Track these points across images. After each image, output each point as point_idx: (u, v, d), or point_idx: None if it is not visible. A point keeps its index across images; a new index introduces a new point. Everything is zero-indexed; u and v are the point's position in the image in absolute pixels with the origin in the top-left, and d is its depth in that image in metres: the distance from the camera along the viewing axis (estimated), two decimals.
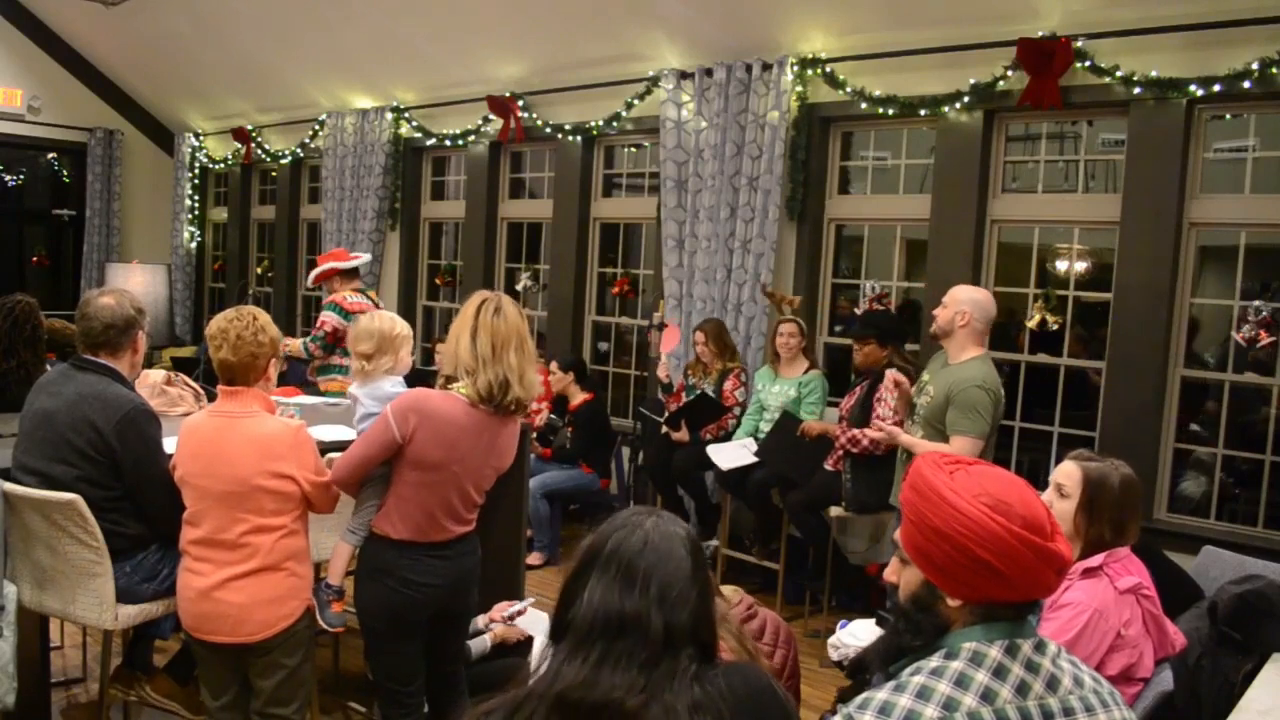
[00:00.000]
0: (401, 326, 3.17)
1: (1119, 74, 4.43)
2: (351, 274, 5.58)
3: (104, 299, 2.95)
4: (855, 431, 4.54)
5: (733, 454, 5.06)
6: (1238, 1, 4.10)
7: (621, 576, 1.41)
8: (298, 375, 5.79)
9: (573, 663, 1.37)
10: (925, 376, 3.90)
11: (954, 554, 1.39)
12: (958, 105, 4.95)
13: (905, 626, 1.48)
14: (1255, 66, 4.09)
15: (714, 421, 5.35)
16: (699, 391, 5.40)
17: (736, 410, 5.39)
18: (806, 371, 5.17)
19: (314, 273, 5.62)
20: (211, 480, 2.67)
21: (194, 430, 2.75)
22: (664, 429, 5.43)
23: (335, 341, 5.29)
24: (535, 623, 3.58)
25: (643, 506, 1.54)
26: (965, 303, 3.73)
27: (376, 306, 5.32)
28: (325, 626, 2.93)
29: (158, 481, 2.84)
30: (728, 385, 5.40)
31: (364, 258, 6.00)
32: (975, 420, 3.60)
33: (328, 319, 5.32)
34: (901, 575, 1.52)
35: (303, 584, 2.78)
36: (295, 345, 5.38)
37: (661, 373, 5.71)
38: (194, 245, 10.61)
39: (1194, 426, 4.78)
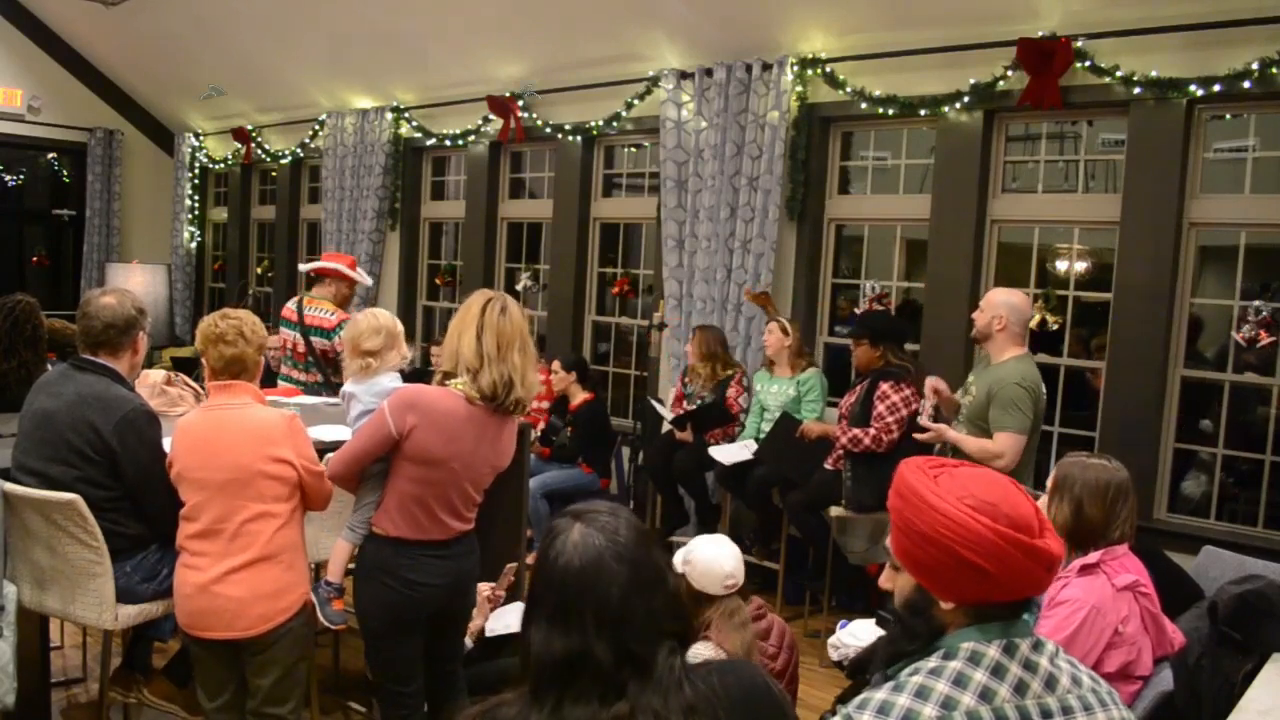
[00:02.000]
0: (399, 321, 3.21)
1: (1119, 74, 4.43)
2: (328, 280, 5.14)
3: (105, 299, 2.96)
4: (856, 431, 4.54)
5: (732, 452, 5.07)
6: (1238, 1, 4.10)
7: (555, 615, 1.34)
8: None
9: (534, 710, 1.33)
10: (970, 378, 4.05)
11: (941, 558, 1.39)
12: (958, 105, 4.95)
13: (901, 632, 1.47)
14: (1255, 66, 4.09)
15: (720, 428, 5.35)
16: (700, 401, 5.39)
17: (743, 417, 5.38)
18: (804, 370, 5.17)
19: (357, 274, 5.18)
20: (211, 471, 2.69)
21: (189, 426, 2.78)
22: (668, 426, 5.43)
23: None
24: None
25: (570, 510, 1.44)
26: (1001, 307, 3.88)
27: (298, 315, 4.96)
28: (327, 624, 2.94)
29: (158, 482, 2.84)
30: (730, 393, 5.38)
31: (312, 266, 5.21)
32: (1016, 416, 3.73)
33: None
34: (895, 581, 1.51)
35: (299, 579, 2.79)
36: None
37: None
38: (194, 245, 10.61)
39: (1204, 422, 4.77)
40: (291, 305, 5.10)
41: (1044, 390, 3.91)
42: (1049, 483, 2.61)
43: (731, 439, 5.34)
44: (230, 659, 2.77)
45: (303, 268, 5.44)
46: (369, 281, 5.82)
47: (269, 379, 5.30)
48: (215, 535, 2.70)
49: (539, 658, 1.34)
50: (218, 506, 2.69)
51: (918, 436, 4.12)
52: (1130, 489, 2.55)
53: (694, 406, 5.42)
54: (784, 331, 5.15)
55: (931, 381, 4.10)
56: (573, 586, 1.34)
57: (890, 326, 4.81)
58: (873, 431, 4.48)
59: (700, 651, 2.66)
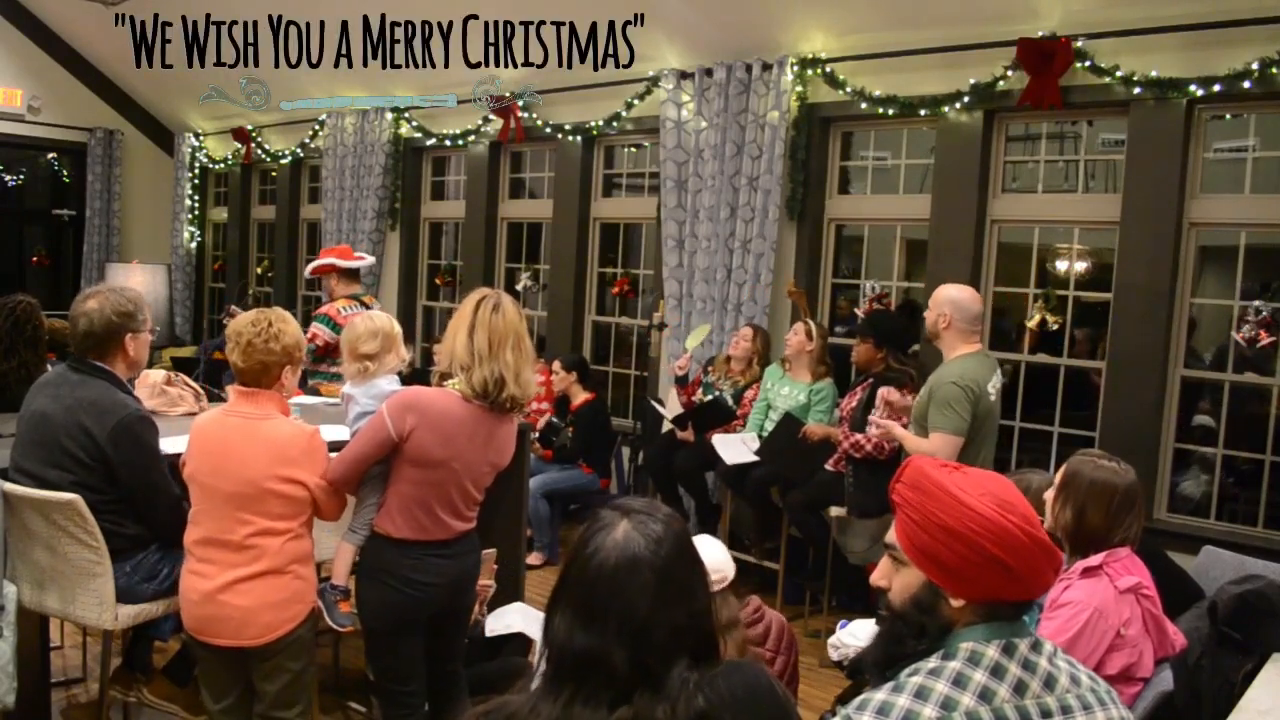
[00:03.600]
0: (396, 324, 3.20)
1: (1119, 74, 4.43)
2: (352, 276, 5.39)
3: (88, 303, 2.89)
4: (858, 436, 4.54)
5: (736, 449, 5.04)
6: (1238, 1, 4.10)
7: (581, 609, 1.33)
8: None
9: (547, 700, 1.32)
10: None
11: (966, 553, 1.39)
12: (958, 105, 4.95)
13: (907, 630, 1.46)
14: (1255, 66, 4.09)
15: (721, 426, 5.34)
16: (716, 393, 5.38)
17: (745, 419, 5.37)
18: (821, 379, 5.11)
19: (312, 265, 5.44)
20: (220, 479, 2.65)
21: (206, 429, 2.73)
22: (669, 425, 5.42)
23: (324, 354, 5.13)
24: (533, 621, 3.58)
25: (621, 503, 1.42)
26: (944, 304, 3.78)
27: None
28: (335, 627, 2.92)
29: (155, 488, 2.83)
30: (749, 394, 5.36)
31: (367, 260, 5.71)
32: (950, 416, 3.62)
33: (320, 332, 5.12)
34: (896, 578, 1.50)
35: (307, 587, 2.77)
36: None
37: (682, 362, 5.56)
38: (194, 245, 10.61)
39: (1202, 417, 4.77)
40: (348, 311, 5.12)
41: (988, 389, 3.73)
42: (1057, 478, 2.60)
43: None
44: (236, 664, 2.76)
45: (310, 272, 5.51)
46: (370, 260, 6.00)
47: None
48: (221, 545, 2.66)
49: (561, 647, 1.33)
50: (222, 517, 2.65)
51: (870, 434, 4.14)
52: (1137, 495, 2.52)
53: (707, 398, 5.40)
54: (809, 335, 5.08)
55: (883, 392, 4.16)
56: (603, 587, 1.32)
57: (895, 329, 4.79)
58: (875, 438, 4.48)
59: None
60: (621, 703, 1.30)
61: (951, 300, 3.76)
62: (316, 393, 5.01)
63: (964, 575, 1.40)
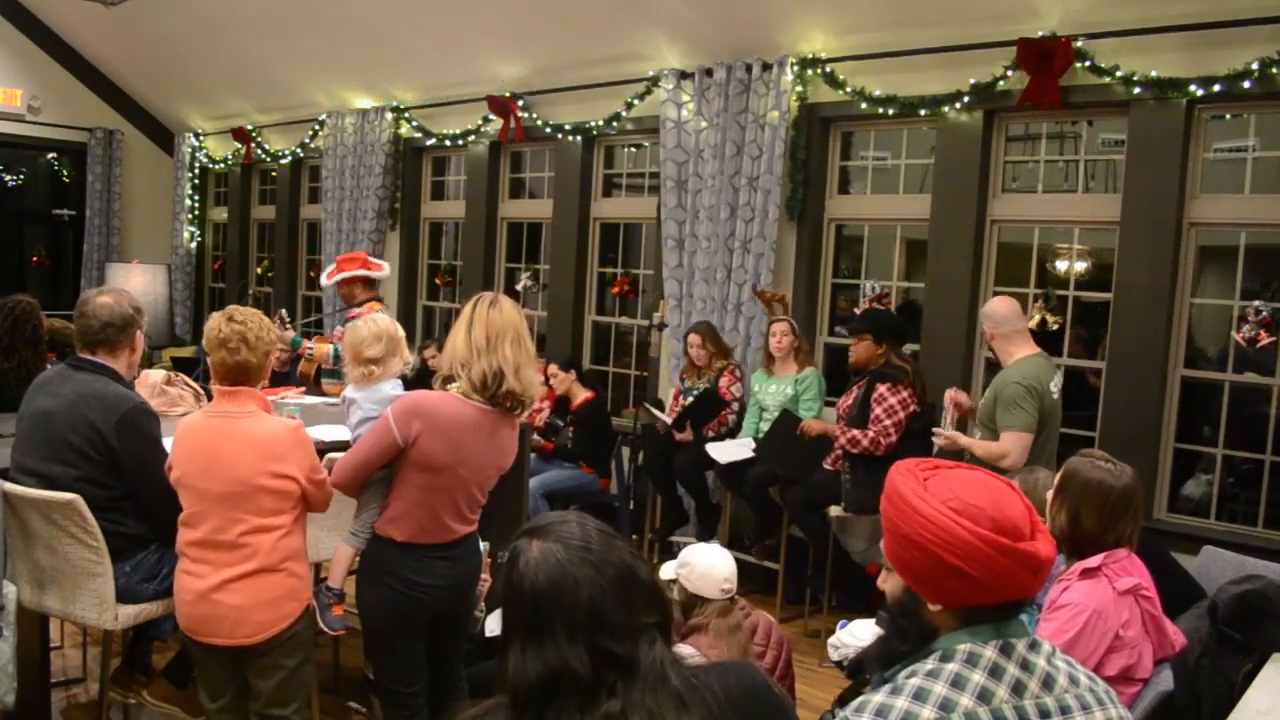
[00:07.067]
0: (399, 327, 3.19)
1: (1119, 74, 4.43)
2: (372, 282, 5.43)
3: (102, 298, 2.96)
4: (855, 432, 4.55)
5: (731, 450, 5.06)
6: (1238, 1, 4.10)
7: (528, 633, 1.32)
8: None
9: None
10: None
11: (925, 561, 1.39)
12: (958, 105, 4.95)
13: (893, 632, 1.49)
14: (1255, 66, 4.08)
15: (715, 417, 5.36)
16: (700, 388, 5.41)
17: (735, 406, 5.40)
18: (804, 368, 5.18)
19: (340, 275, 5.37)
20: (210, 481, 2.65)
21: (191, 431, 2.73)
22: (669, 431, 5.44)
23: None
24: None
25: (526, 528, 1.41)
26: (985, 320, 4.14)
27: None
28: (326, 630, 2.93)
29: (159, 480, 2.83)
30: (723, 382, 5.42)
31: (385, 270, 5.63)
32: (1016, 414, 3.85)
33: None
34: (888, 582, 1.52)
35: (301, 585, 2.77)
36: (323, 351, 5.26)
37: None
38: (194, 245, 10.61)
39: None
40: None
41: (1050, 387, 3.95)
42: (1055, 480, 2.61)
43: (728, 430, 5.35)
44: (232, 662, 2.76)
45: (328, 277, 5.50)
46: (385, 268, 5.79)
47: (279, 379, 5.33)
48: (214, 545, 2.67)
49: (515, 682, 1.31)
50: (215, 518, 2.66)
51: (935, 441, 4.16)
52: (1134, 497, 2.51)
53: (689, 401, 5.43)
54: (794, 332, 5.17)
55: (951, 394, 4.21)
56: (542, 602, 1.32)
57: (894, 324, 4.82)
58: (871, 434, 4.49)
59: (685, 654, 2.67)
60: (604, 697, 1.29)
61: (985, 313, 4.13)
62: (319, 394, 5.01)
63: (931, 582, 1.41)
